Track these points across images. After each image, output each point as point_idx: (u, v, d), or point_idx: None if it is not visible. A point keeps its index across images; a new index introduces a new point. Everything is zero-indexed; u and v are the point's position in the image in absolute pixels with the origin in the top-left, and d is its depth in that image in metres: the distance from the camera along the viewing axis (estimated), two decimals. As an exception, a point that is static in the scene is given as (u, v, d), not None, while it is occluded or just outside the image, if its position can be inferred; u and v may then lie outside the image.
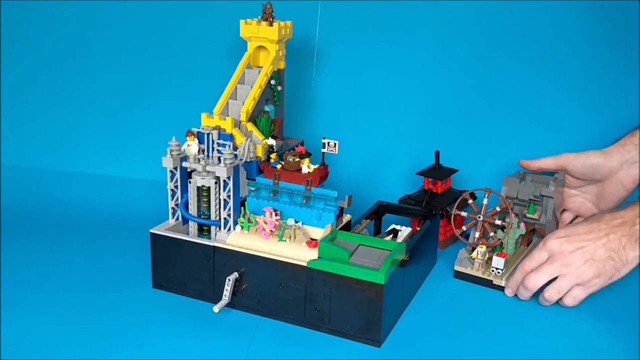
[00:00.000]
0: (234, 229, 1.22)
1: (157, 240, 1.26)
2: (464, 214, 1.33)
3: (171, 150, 1.25)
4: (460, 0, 1.54)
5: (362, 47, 1.59)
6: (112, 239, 1.48)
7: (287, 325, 1.17)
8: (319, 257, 1.14)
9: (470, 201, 1.33)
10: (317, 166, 1.22)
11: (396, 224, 1.34)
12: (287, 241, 1.18)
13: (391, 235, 1.30)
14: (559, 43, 1.54)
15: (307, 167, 1.21)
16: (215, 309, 1.16)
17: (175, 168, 1.26)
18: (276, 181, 1.22)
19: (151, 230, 1.26)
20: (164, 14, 1.63)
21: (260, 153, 1.28)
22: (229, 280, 1.18)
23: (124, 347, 1.10)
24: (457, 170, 1.49)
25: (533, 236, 1.42)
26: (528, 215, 1.38)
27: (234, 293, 1.18)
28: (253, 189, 1.24)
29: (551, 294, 1.20)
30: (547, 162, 1.39)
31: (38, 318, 1.17)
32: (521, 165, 1.43)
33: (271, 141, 1.28)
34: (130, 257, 1.39)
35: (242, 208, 1.22)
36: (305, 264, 1.14)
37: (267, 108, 1.36)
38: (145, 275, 1.29)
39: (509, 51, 1.56)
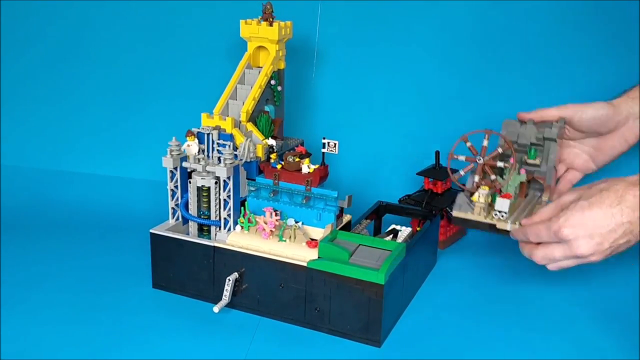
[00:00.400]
0: (234, 229, 1.23)
1: (157, 240, 1.26)
2: (462, 157, 1.24)
3: (171, 150, 1.25)
4: (461, 0, 1.54)
5: (362, 47, 1.59)
6: (112, 239, 1.48)
7: (287, 325, 1.17)
8: (319, 257, 1.14)
9: (468, 144, 1.23)
10: (317, 166, 1.22)
11: (396, 224, 1.34)
12: (287, 241, 1.18)
13: (391, 236, 1.29)
14: (559, 43, 1.54)
15: (307, 167, 1.21)
16: (215, 309, 1.16)
17: (175, 168, 1.26)
18: (276, 181, 1.22)
19: (151, 230, 1.26)
20: (164, 14, 1.63)
21: (260, 153, 1.28)
22: (229, 280, 1.18)
23: (124, 347, 1.10)
24: (457, 170, 1.49)
25: (529, 189, 1.30)
26: (529, 161, 1.27)
27: (234, 293, 1.18)
28: (253, 189, 1.24)
29: (541, 259, 1.10)
30: (550, 113, 1.27)
31: (38, 318, 1.17)
32: (520, 118, 1.31)
33: (271, 141, 1.28)
34: (130, 257, 1.39)
35: (242, 208, 1.22)
36: (305, 264, 1.14)
37: (267, 108, 1.36)
38: (145, 276, 1.29)
39: (509, 51, 1.56)
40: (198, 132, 1.25)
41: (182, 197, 1.28)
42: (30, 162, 1.69)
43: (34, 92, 1.70)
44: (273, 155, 1.25)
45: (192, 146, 1.25)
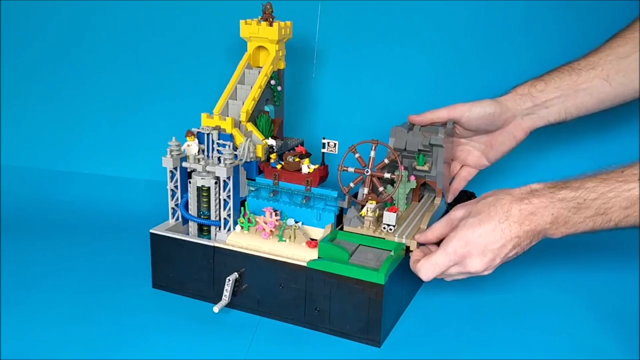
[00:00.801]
0: (234, 229, 1.22)
1: (157, 240, 1.26)
2: (351, 169, 1.22)
3: (171, 151, 1.25)
4: (461, 1, 1.54)
5: (362, 47, 1.59)
6: (112, 239, 1.48)
7: (287, 325, 1.17)
8: (318, 257, 1.14)
9: (357, 155, 1.22)
10: (317, 166, 1.22)
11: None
12: (287, 241, 1.18)
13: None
14: (560, 43, 1.54)
15: (307, 167, 1.21)
16: (215, 309, 1.16)
17: (175, 168, 1.26)
18: (276, 181, 1.22)
19: (151, 230, 1.26)
20: (164, 14, 1.63)
21: (260, 153, 1.28)
22: (229, 280, 1.18)
23: (123, 347, 1.10)
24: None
25: (424, 191, 1.35)
26: (418, 167, 1.29)
27: (234, 293, 1.18)
28: (253, 189, 1.24)
29: (426, 269, 1.08)
30: (439, 115, 1.30)
31: (38, 318, 1.17)
32: (411, 122, 1.32)
33: (271, 141, 1.28)
34: (130, 257, 1.39)
35: (242, 208, 1.23)
36: (305, 264, 1.14)
37: (267, 108, 1.36)
38: (145, 276, 1.29)
39: (509, 53, 1.56)
40: (198, 132, 1.25)
41: (182, 197, 1.28)
42: (30, 162, 1.69)
43: (34, 92, 1.70)
44: (273, 155, 1.25)
45: (192, 146, 1.25)
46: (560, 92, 1.30)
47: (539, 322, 1.20)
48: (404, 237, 1.17)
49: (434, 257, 1.07)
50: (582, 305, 1.24)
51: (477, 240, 1.05)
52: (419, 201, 1.32)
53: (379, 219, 1.20)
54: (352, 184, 1.22)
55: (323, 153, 1.22)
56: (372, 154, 1.22)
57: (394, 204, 1.24)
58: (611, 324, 1.19)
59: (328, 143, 1.21)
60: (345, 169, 1.23)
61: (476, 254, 1.05)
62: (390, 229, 1.18)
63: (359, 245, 1.17)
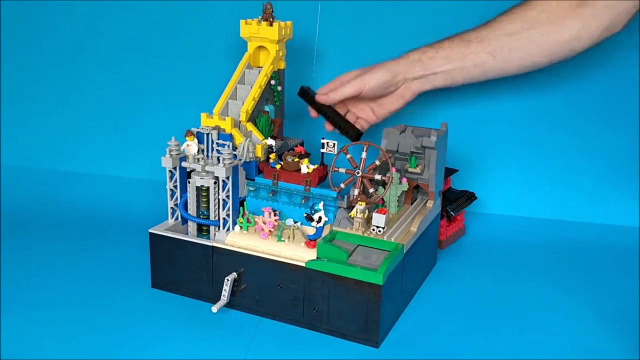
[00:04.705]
0: (233, 229, 1.22)
1: (156, 240, 1.26)
2: (342, 170, 1.22)
3: (170, 150, 1.25)
4: (461, 1, 1.54)
5: (362, 47, 1.59)
6: (112, 239, 1.48)
7: (286, 325, 1.17)
8: (317, 258, 1.14)
9: (348, 156, 1.23)
10: (316, 166, 1.22)
11: None
12: (285, 241, 1.18)
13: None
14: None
15: (306, 167, 1.21)
16: (214, 309, 1.16)
17: (175, 168, 1.26)
18: (275, 181, 1.22)
19: (150, 230, 1.26)
20: (164, 15, 1.63)
21: (259, 153, 1.28)
22: (228, 280, 1.17)
23: (122, 346, 1.10)
24: (457, 170, 1.49)
25: (417, 193, 1.35)
26: (410, 170, 1.29)
27: (232, 293, 1.18)
28: (252, 189, 1.24)
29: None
30: (347, 91, 1.37)
31: (38, 318, 1.17)
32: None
33: (270, 141, 1.28)
34: (130, 257, 1.39)
35: (241, 208, 1.22)
36: (303, 264, 1.13)
37: (267, 108, 1.35)
38: (144, 275, 1.29)
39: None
40: (197, 132, 1.25)
41: (181, 197, 1.28)
42: (30, 162, 1.69)
43: (34, 92, 1.70)
44: (272, 155, 1.25)
45: (191, 146, 1.25)
46: (449, 60, 1.38)
47: (539, 322, 1.20)
48: (392, 239, 1.17)
49: None
50: (582, 305, 1.24)
51: None
52: (412, 204, 1.32)
53: (368, 221, 1.20)
54: (342, 185, 1.22)
55: (322, 153, 1.22)
56: (364, 155, 1.22)
57: (385, 206, 1.24)
58: (611, 324, 1.18)
59: (327, 143, 1.21)
60: (336, 169, 1.23)
61: None
62: (380, 231, 1.17)
63: (358, 245, 1.17)
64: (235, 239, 1.20)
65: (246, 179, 1.26)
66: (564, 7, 1.34)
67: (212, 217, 1.25)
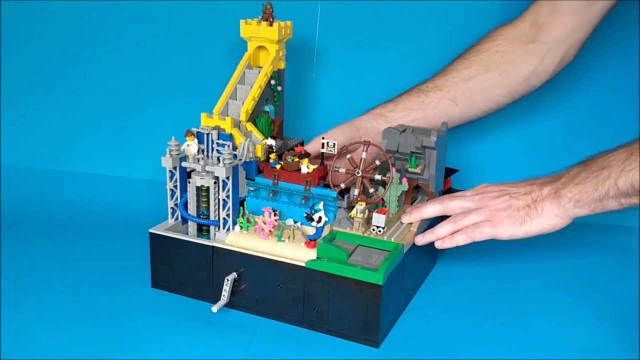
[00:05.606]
0: (233, 229, 1.22)
1: (156, 240, 1.26)
2: (342, 169, 1.23)
3: (170, 150, 1.25)
4: (461, 0, 1.54)
5: (362, 47, 1.59)
6: (112, 239, 1.48)
7: (286, 325, 1.17)
8: (317, 258, 1.14)
9: (348, 156, 1.23)
10: (316, 166, 1.22)
11: None
12: (285, 241, 1.18)
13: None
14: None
15: (306, 167, 1.21)
16: (214, 309, 1.16)
17: (175, 168, 1.26)
18: (275, 181, 1.22)
19: (150, 230, 1.26)
20: (164, 14, 1.63)
21: (259, 153, 1.28)
22: (228, 280, 1.17)
23: (122, 347, 1.10)
24: (457, 170, 1.49)
25: (417, 194, 1.36)
26: (410, 170, 1.29)
27: (232, 293, 1.18)
28: (252, 189, 1.24)
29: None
30: (312, 148, 1.33)
31: (37, 318, 1.17)
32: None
33: (270, 141, 1.28)
34: (130, 257, 1.39)
35: (241, 208, 1.22)
36: (303, 264, 1.13)
37: (267, 108, 1.35)
38: (144, 275, 1.29)
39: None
40: (197, 132, 1.25)
41: (181, 197, 1.28)
42: (30, 162, 1.69)
43: (33, 91, 1.70)
44: (272, 155, 1.25)
45: (191, 146, 1.25)
46: (410, 111, 1.41)
47: (539, 322, 1.20)
48: (392, 239, 1.17)
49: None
50: (582, 305, 1.24)
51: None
52: (412, 204, 1.32)
53: (368, 221, 1.20)
54: (342, 185, 1.22)
55: (322, 153, 1.22)
56: (364, 155, 1.22)
57: (385, 206, 1.24)
58: (611, 324, 1.18)
59: (327, 143, 1.21)
60: (337, 169, 1.23)
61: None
62: (380, 231, 1.17)
63: (358, 245, 1.17)
64: (235, 239, 1.20)
65: (246, 179, 1.26)
66: (516, 45, 1.38)
67: (212, 217, 1.25)
